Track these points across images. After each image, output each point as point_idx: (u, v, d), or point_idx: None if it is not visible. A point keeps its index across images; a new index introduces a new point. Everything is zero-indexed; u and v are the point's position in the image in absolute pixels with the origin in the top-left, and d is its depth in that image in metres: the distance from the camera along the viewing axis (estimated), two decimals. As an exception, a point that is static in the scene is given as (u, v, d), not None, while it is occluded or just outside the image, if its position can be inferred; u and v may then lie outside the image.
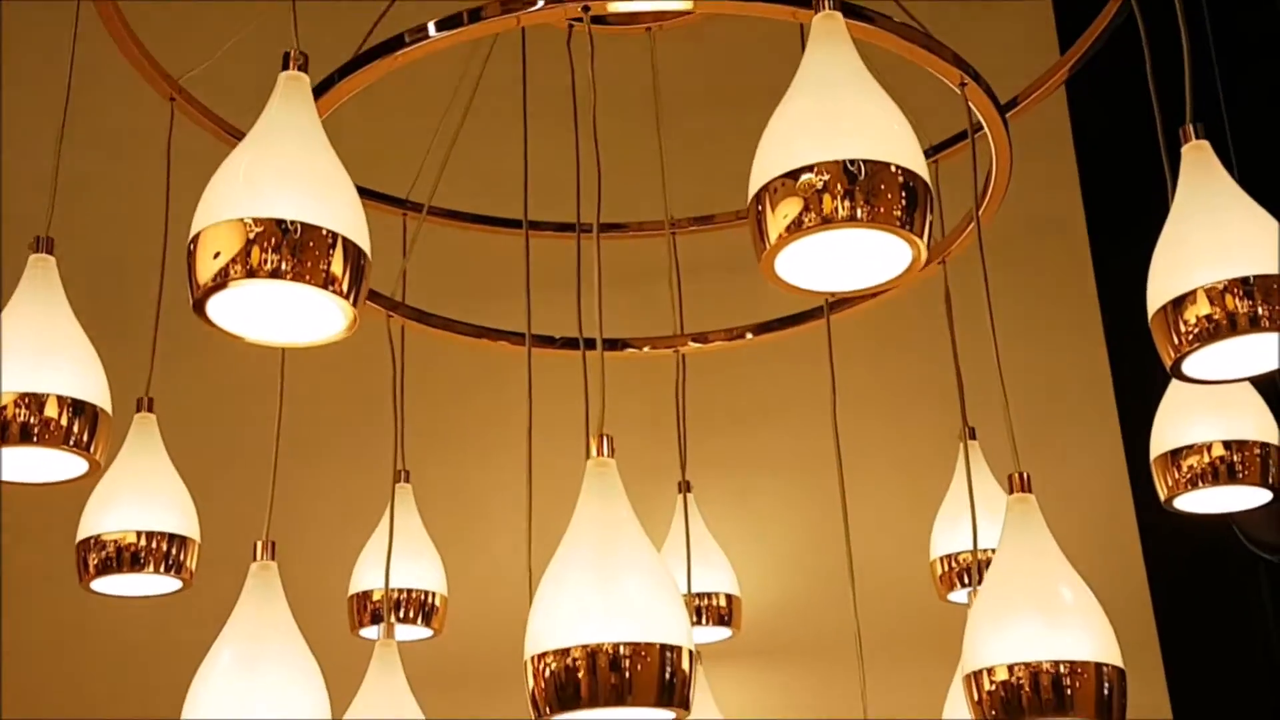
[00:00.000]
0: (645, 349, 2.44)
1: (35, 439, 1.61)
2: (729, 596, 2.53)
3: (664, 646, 1.37)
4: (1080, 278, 3.37)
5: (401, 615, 2.38)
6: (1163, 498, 1.92)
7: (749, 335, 2.40)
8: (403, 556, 2.36)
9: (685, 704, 1.38)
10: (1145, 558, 3.10)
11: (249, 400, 2.19)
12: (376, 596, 2.38)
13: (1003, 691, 1.52)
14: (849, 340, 2.38)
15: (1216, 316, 1.46)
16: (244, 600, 1.67)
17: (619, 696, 1.35)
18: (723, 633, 2.54)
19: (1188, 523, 2.03)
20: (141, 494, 2.01)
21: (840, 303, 2.30)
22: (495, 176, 2.37)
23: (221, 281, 1.31)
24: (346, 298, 1.35)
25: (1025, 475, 1.63)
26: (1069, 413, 3.27)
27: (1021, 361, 1.90)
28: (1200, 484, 1.86)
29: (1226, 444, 1.86)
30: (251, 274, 1.31)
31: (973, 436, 2.30)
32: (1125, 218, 3.23)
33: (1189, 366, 1.53)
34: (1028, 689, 1.50)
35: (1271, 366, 1.53)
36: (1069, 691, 1.48)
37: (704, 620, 2.51)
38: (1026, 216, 3.21)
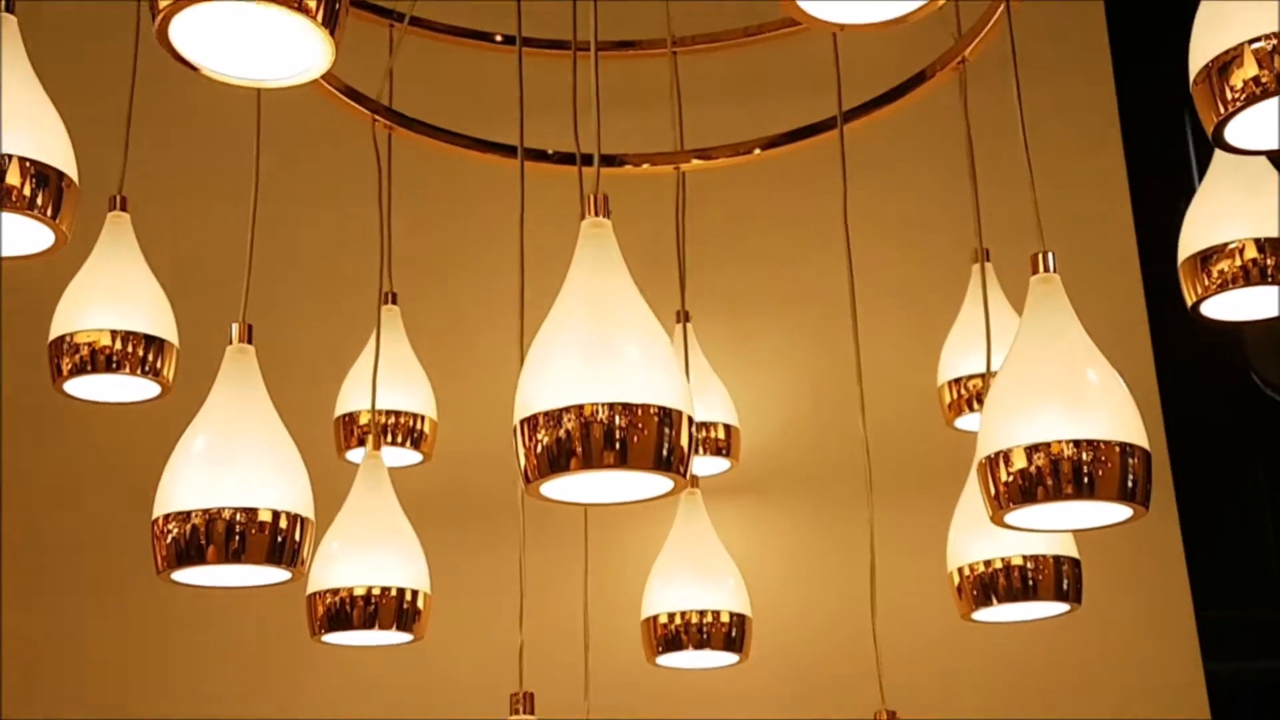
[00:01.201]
0: (644, 165, 2.32)
1: (-7, 205, 1.50)
2: (727, 427, 2.45)
3: (662, 409, 1.28)
4: (1101, 85, 3.24)
5: (389, 440, 2.30)
6: (1190, 302, 1.83)
7: (757, 151, 2.28)
8: (390, 379, 2.27)
9: (682, 470, 1.30)
10: (1159, 375, 3.02)
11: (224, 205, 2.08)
12: (363, 419, 2.29)
13: (1020, 480, 1.44)
14: (859, 163, 2.27)
15: (1264, 79, 1.35)
16: (219, 385, 1.58)
17: (613, 460, 1.26)
18: (721, 464, 2.46)
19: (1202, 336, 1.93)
20: (116, 294, 1.91)
21: (853, 113, 2.18)
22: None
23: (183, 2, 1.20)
24: (323, 26, 1.24)
25: (1050, 255, 1.53)
26: (1084, 234, 3.14)
27: (1036, 177, 1.78)
28: (1230, 287, 1.77)
29: (1260, 244, 1.76)
30: (214, -5, 1.19)
31: (987, 259, 2.21)
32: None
33: (1232, 134, 1.42)
34: (1047, 473, 1.42)
35: (1319, 134, 1.42)
36: (1090, 475, 1.40)
37: (701, 451, 2.43)
38: (1047, 25, 3.07)
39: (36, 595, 3.14)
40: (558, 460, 1.27)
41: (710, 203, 2.74)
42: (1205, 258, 1.80)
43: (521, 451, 1.30)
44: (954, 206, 2.42)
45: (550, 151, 2.28)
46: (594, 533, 2.29)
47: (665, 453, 1.28)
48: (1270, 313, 1.83)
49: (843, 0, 1.30)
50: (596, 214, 1.36)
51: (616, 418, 1.26)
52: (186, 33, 1.28)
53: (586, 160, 1.69)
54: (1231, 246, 1.78)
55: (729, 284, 3.17)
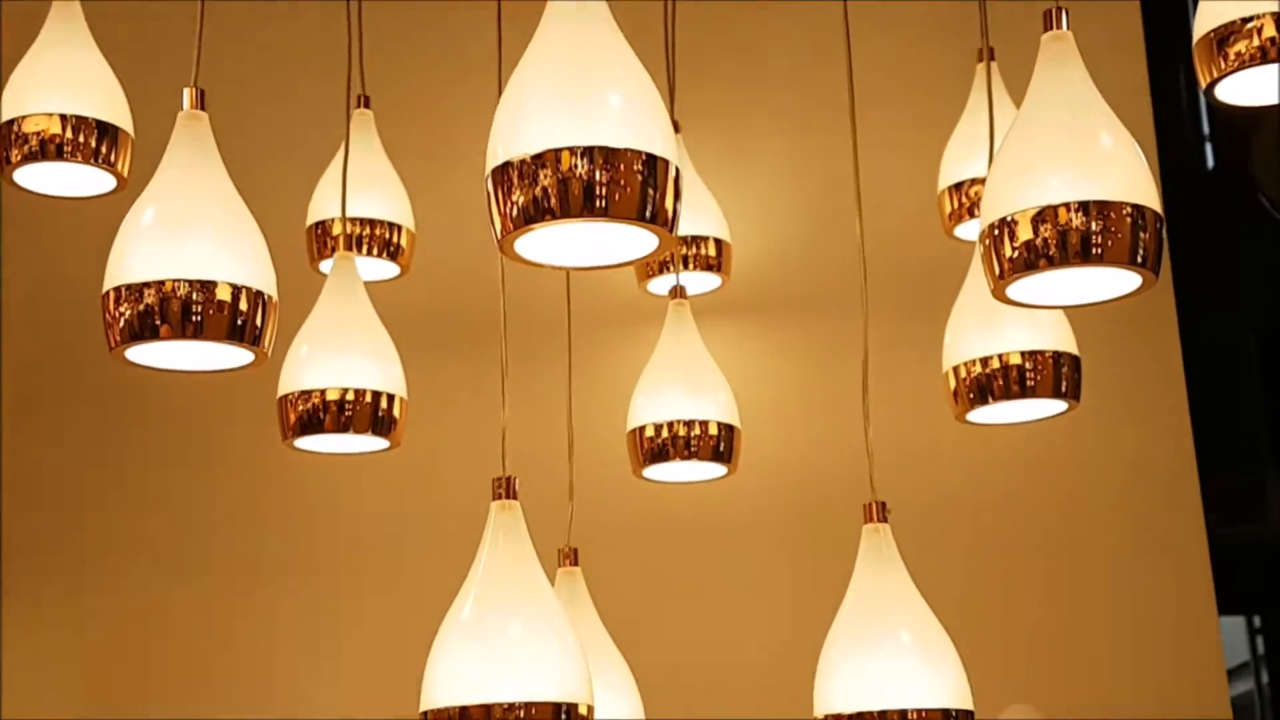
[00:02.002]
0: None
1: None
2: (718, 242, 2.36)
3: (646, 156, 1.19)
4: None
5: (364, 251, 2.20)
6: (1204, 83, 1.72)
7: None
8: (363, 186, 2.16)
9: (668, 223, 1.21)
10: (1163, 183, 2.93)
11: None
12: (336, 229, 2.19)
13: (1025, 250, 1.35)
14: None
15: None
16: (170, 154, 1.48)
17: (594, 208, 1.17)
18: (712, 280, 2.38)
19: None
20: (66, 79, 1.80)
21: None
22: None
23: None
24: None
25: (1064, 11, 1.42)
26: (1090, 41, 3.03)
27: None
28: (1248, 65, 1.66)
29: (1279, 21, 1.65)
30: None
31: (991, 58, 2.09)
32: None
33: None
34: (1054, 242, 1.33)
35: None
36: (1099, 239, 1.31)
37: (691, 267, 2.34)
38: None
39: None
40: (532, 212, 1.18)
41: (701, 7, 2.61)
42: (1221, 38, 1.69)
43: (494, 205, 1.21)
44: (959, 13, 2.31)
45: (529, -58, 2.15)
46: (577, 350, 2.21)
47: (649, 204, 1.19)
48: (1290, 94, 1.72)
49: None
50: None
51: (596, 166, 1.17)
52: None
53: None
54: (1250, 25, 1.67)
55: (722, 95, 3.04)
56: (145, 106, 1.96)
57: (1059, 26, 1.42)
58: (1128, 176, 1.33)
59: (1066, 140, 1.34)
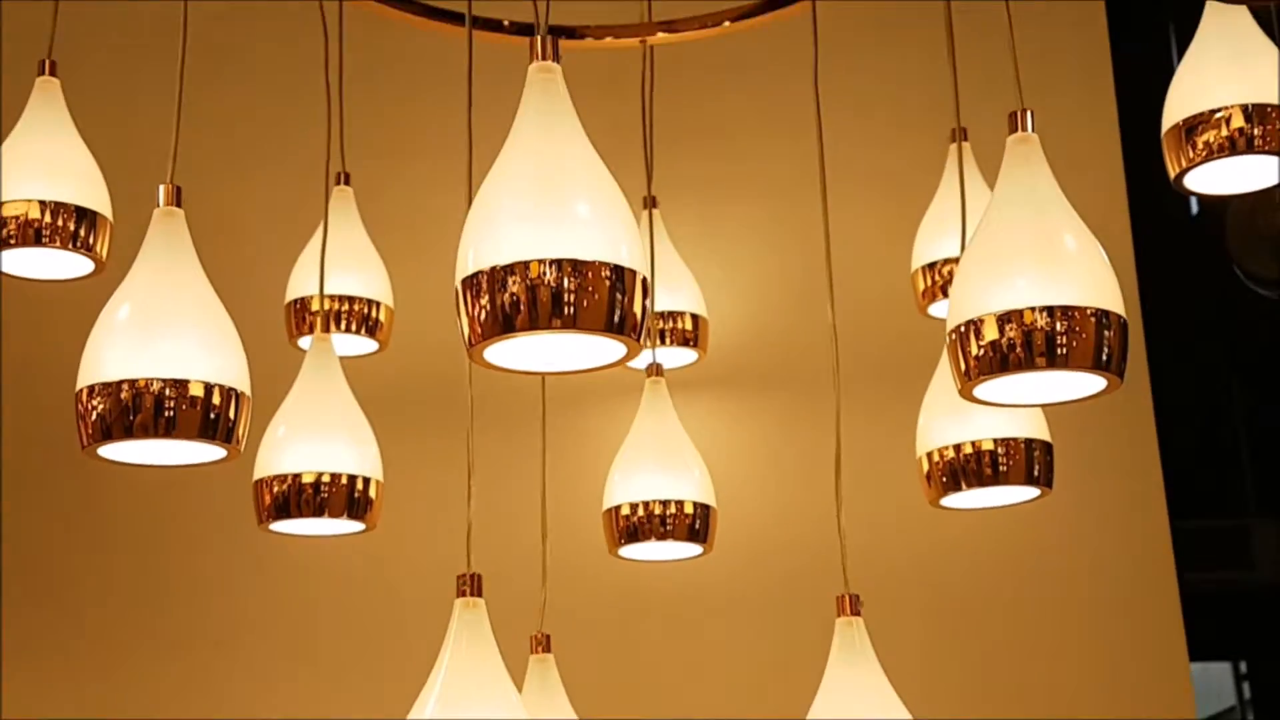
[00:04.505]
0: (607, 39, 2.21)
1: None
2: (695, 317, 2.37)
3: (614, 268, 1.20)
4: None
5: (343, 327, 2.21)
6: (1172, 175, 1.75)
7: (726, 23, 2.17)
8: (343, 263, 2.18)
9: (635, 334, 1.22)
10: (1139, 271, 2.96)
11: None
12: (316, 305, 2.20)
13: (991, 351, 1.37)
14: (835, 42, 2.17)
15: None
16: (145, 251, 1.49)
17: (561, 321, 1.19)
18: (688, 355, 2.39)
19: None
20: (45, 163, 1.81)
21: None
22: None
23: None
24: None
25: (1029, 114, 1.44)
26: (1065, 131, 3.07)
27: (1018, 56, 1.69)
28: (1215, 157, 1.69)
29: (1247, 113, 1.68)
30: None
31: (964, 139, 2.12)
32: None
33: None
34: (1019, 343, 1.35)
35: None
36: (1063, 344, 1.33)
37: (668, 342, 2.35)
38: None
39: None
40: (501, 323, 1.19)
41: (679, 84, 2.64)
42: (1190, 128, 1.72)
43: (464, 314, 1.22)
44: (934, 90, 2.34)
45: (506, 23, 2.17)
46: (554, 424, 2.21)
47: (618, 315, 1.20)
48: (1256, 184, 1.75)
49: None
50: (544, 58, 1.27)
51: (565, 278, 1.18)
52: None
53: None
54: (1218, 115, 1.70)
55: (698, 169, 3.07)
56: (125, 186, 1.97)
57: (1024, 129, 1.44)
58: (1093, 282, 1.34)
59: (1032, 245, 1.36)
